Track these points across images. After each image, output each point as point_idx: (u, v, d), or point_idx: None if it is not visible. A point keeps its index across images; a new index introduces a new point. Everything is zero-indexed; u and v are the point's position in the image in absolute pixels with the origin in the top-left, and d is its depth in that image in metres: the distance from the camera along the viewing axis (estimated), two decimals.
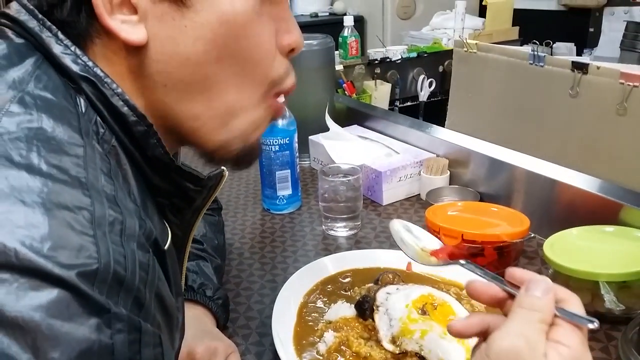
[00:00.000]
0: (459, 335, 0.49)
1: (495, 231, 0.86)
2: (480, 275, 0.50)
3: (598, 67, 1.37)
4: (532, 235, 0.90)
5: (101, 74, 0.43)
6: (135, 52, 0.45)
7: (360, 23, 3.10)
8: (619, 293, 0.71)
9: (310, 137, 1.29)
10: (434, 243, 0.58)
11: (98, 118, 0.43)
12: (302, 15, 3.26)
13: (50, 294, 0.30)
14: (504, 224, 0.89)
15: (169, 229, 0.50)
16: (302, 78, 1.25)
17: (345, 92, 1.98)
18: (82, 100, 0.42)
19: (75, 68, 0.43)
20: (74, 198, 0.34)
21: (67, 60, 0.43)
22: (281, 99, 0.53)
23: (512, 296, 0.47)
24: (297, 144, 1.09)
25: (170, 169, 0.48)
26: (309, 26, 2.99)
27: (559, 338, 0.43)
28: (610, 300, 0.71)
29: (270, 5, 0.49)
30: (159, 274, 0.38)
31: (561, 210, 0.93)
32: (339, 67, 1.97)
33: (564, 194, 0.92)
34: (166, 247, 0.47)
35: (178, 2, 0.44)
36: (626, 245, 0.78)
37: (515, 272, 0.48)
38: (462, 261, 0.53)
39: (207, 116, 0.48)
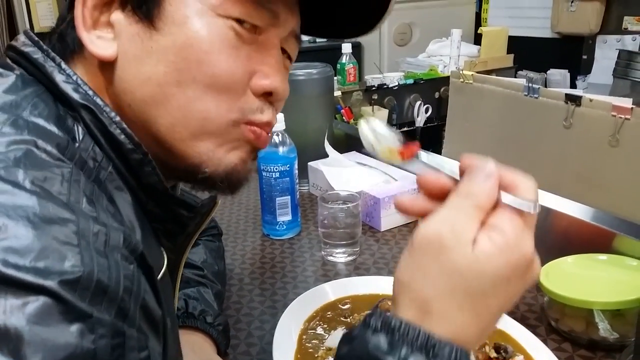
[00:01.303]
0: (404, 211, 0.46)
1: None
2: (435, 166, 0.46)
3: (591, 100, 1.41)
4: None
5: (100, 103, 0.46)
6: (107, 68, 0.48)
7: (357, 49, 3.14)
8: (613, 321, 0.73)
9: (309, 164, 1.31)
10: (397, 142, 0.52)
11: (95, 146, 0.45)
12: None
13: (33, 302, 0.31)
14: None
15: (164, 253, 0.52)
16: (302, 105, 1.29)
17: (344, 118, 2.01)
18: (80, 128, 0.44)
19: (75, 96, 0.45)
20: (58, 212, 0.35)
21: (68, 89, 0.45)
22: (261, 130, 0.52)
23: None
24: (297, 171, 1.11)
25: (165, 196, 0.49)
26: (307, 52, 3.03)
27: (494, 223, 0.40)
28: (604, 329, 0.72)
29: (255, 50, 0.50)
30: (145, 286, 0.38)
31: (556, 239, 0.94)
32: (337, 93, 2.00)
33: (558, 222, 0.94)
34: (162, 271, 0.49)
35: (149, 25, 0.47)
36: (620, 274, 0.79)
37: (466, 159, 0.44)
38: (421, 153, 0.48)
39: (172, 137, 0.49)
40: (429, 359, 0.37)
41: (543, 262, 0.84)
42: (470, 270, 0.39)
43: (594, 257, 0.84)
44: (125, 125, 0.46)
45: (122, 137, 0.46)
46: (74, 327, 0.32)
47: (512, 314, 0.81)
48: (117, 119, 0.46)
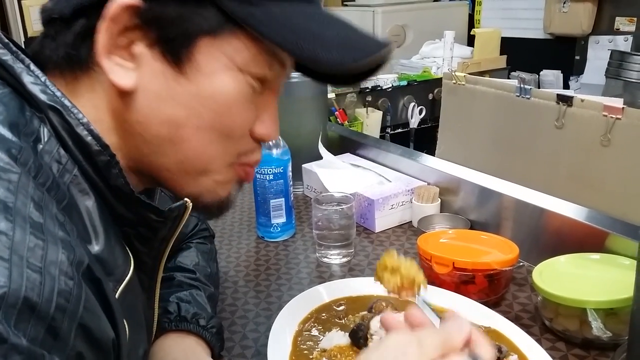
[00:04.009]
0: (386, 327, 0.52)
1: (486, 259, 0.88)
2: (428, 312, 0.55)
3: (582, 100, 1.42)
4: (522, 263, 0.92)
5: (68, 104, 0.45)
6: (122, 95, 0.48)
7: None
8: (606, 320, 0.73)
9: (303, 166, 1.31)
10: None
11: (61, 149, 0.44)
12: None
13: None
14: (494, 251, 0.91)
15: (131, 257, 0.51)
16: (296, 108, 1.29)
17: (338, 120, 2.01)
18: (45, 130, 0.44)
19: (42, 97, 0.45)
20: None
21: (36, 90, 0.45)
22: (250, 168, 0.57)
23: None
24: (291, 173, 1.11)
25: (132, 200, 0.49)
26: None
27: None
28: (597, 327, 0.73)
29: (260, 96, 0.53)
30: (86, 304, 0.37)
31: (549, 238, 0.95)
32: (331, 95, 2.00)
33: (552, 222, 0.95)
34: (128, 276, 0.48)
35: (175, 67, 0.47)
36: (612, 273, 0.80)
37: (448, 313, 0.51)
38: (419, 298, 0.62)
39: (177, 171, 0.52)
40: None
41: (536, 262, 0.85)
42: None
43: (586, 257, 0.84)
44: (92, 127, 0.46)
45: (89, 138, 0.45)
46: None
47: (506, 314, 0.81)
48: (85, 120, 0.46)
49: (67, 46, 0.48)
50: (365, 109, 2.17)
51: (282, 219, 1.10)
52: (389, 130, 2.28)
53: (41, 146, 0.43)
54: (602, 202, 1.26)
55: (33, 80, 0.45)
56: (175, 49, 0.47)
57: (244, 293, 0.93)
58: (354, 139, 1.47)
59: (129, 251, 0.51)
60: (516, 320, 0.81)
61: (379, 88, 2.24)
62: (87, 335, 0.37)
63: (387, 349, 0.45)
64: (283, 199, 1.09)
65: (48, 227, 0.37)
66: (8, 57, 0.46)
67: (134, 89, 0.47)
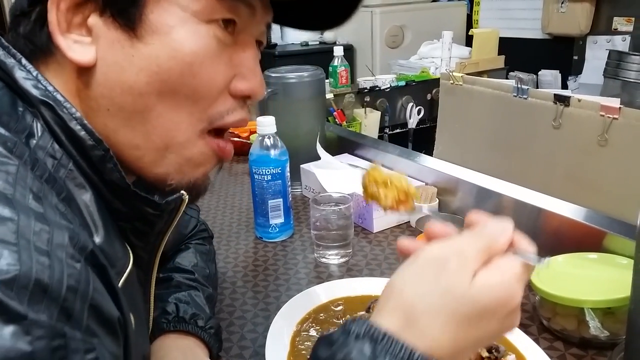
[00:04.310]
0: (404, 254, 0.48)
1: None
2: (440, 218, 0.50)
3: (579, 100, 1.42)
4: None
5: (61, 99, 0.45)
6: (84, 72, 0.47)
7: (349, 52, 3.15)
8: (604, 319, 0.73)
9: (301, 166, 1.31)
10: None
11: (55, 143, 0.44)
12: (292, 44, 3.32)
13: None
14: None
15: (130, 252, 0.51)
16: (294, 108, 1.30)
17: (336, 120, 2.01)
18: (39, 125, 0.44)
19: (35, 92, 0.44)
20: None
21: (28, 85, 0.45)
22: (225, 142, 0.53)
23: None
24: (289, 173, 1.11)
25: (128, 194, 0.48)
26: (299, 55, 3.04)
27: (496, 264, 0.43)
28: (595, 327, 0.73)
29: (233, 51, 0.50)
30: (95, 285, 0.37)
31: (547, 238, 0.95)
32: (329, 95, 2.01)
33: (549, 222, 0.95)
34: (127, 271, 0.48)
35: (130, 32, 0.46)
36: (610, 272, 0.80)
37: (473, 216, 0.48)
38: (432, 214, 0.55)
39: (146, 147, 0.49)
40: None
41: None
42: (464, 296, 0.41)
43: (584, 256, 0.84)
44: (86, 122, 0.45)
45: (83, 133, 0.45)
46: (8, 329, 0.30)
47: None
48: (78, 114, 0.45)
49: (29, 35, 0.48)
50: (363, 109, 2.17)
51: (280, 220, 1.10)
52: (387, 130, 2.28)
53: (34, 141, 0.43)
54: (600, 202, 1.26)
55: (25, 75, 0.45)
56: (125, 11, 0.46)
57: (242, 293, 0.93)
58: (352, 139, 1.47)
59: (127, 245, 0.51)
60: None
61: (377, 88, 2.25)
62: (98, 315, 0.37)
63: (424, 266, 0.43)
64: (281, 200, 1.09)
65: (49, 216, 0.37)
66: (0, 53, 0.46)
67: (94, 63, 0.46)
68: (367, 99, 2.20)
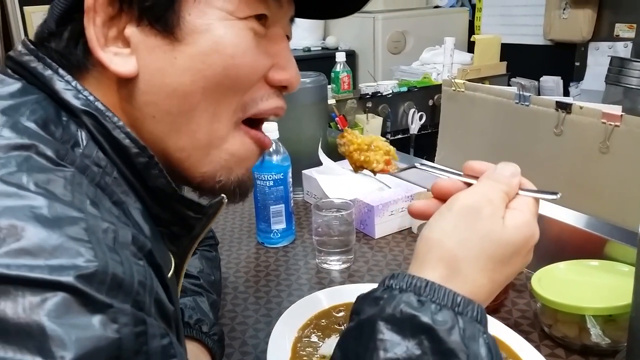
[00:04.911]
0: (420, 216, 0.52)
1: None
2: (439, 174, 0.54)
3: (581, 107, 1.42)
4: None
5: (102, 108, 0.46)
6: (126, 83, 0.48)
7: (351, 57, 3.16)
8: (605, 326, 0.73)
9: (303, 172, 1.31)
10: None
11: (99, 152, 0.44)
12: (295, 49, 3.33)
13: (51, 298, 0.31)
14: None
15: (171, 256, 0.52)
16: (296, 114, 1.30)
17: (338, 126, 2.01)
18: (83, 134, 0.44)
19: (76, 103, 0.45)
20: (66, 211, 0.35)
21: (69, 96, 0.45)
22: (260, 133, 0.54)
23: None
24: (291, 179, 1.11)
25: (173, 199, 0.49)
26: (302, 60, 3.05)
27: (516, 206, 0.49)
28: (596, 334, 0.73)
29: (268, 43, 0.51)
30: (156, 282, 0.39)
31: (548, 245, 0.95)
32: (331, 101, 2.01)
33: (551, 228, 0.95)
34: (170, 273, 0.49)
35: (170, 36, 0.47)
36: (611, 280, 0.80)
37: (473, 164, 0.52)
38: (417, 164, 0.58)
39: (191, 147, 0.50)
40: (455, 315, 0.42)
41: (535, 269, 0.85)
42: (500, 239, 0.46)
43: (585, 263, 0.84)
44: (129, 130, 0.46)
45: (127, 141, 0.46)
46: (96, 319, 0.32)
47: (505, 320, 0.81)
48: (120, 123, 0.46)
49: (63, 52, 0.48)
50: (365, 115, 2.17)
51: (282, 225, 1.10)
52: (389, 136, 2.29)
53: (80, 150, 0.43)
54: (601, 209, 1.26)
55: (64, 85, 0.46)
56: (162, 17, 0.46)
57: (243, 299, 0.93)
58: None
59: (168, 250, 0.52)
60: (515, 326, 0.81)
61: (379, 94, 2.25)
62: (161, 309, 0.38)
63: (459, 215, 0.47)
64: (283, 205, 1.09)
65: (107, 218, 0.38)
66: (37, 64, 0.46)
67: (137, 73, 0.47)
68: (369, 104, 2.20)
